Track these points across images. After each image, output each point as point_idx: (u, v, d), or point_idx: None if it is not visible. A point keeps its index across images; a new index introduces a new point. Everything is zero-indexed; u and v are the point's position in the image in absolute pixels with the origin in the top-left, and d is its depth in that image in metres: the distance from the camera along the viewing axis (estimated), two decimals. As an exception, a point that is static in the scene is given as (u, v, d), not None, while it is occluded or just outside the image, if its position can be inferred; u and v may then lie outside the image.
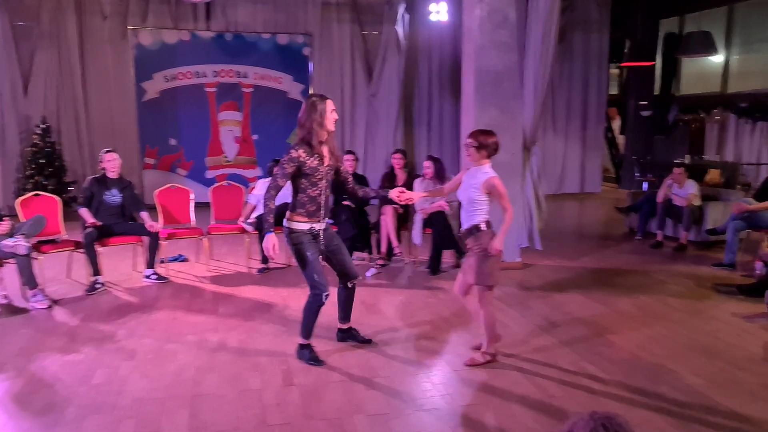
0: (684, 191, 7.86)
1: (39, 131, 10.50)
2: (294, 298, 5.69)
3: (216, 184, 7.70)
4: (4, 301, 5.55)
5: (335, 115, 4.08)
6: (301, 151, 3.98)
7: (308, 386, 3.82)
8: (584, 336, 4.75)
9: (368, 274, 6.54)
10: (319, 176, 4.04)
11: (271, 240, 3.98)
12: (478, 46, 6.48)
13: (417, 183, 6.75)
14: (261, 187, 7.19)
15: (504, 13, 6.50)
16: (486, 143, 4.13)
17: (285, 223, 4.12)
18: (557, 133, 13.44)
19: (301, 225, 4.06)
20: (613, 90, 15.30)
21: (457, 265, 6.89)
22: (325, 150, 4.05)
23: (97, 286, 5.95)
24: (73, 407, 3.53)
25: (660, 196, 8.00)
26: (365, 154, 12.52)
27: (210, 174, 11.59)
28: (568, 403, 3.61)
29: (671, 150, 12.74)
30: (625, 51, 14.04)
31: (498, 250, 4.06)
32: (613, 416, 1.52)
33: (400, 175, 7.10)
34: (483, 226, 4.09)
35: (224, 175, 11.26)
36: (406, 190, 4.41)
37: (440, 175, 6.67)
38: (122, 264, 6.83)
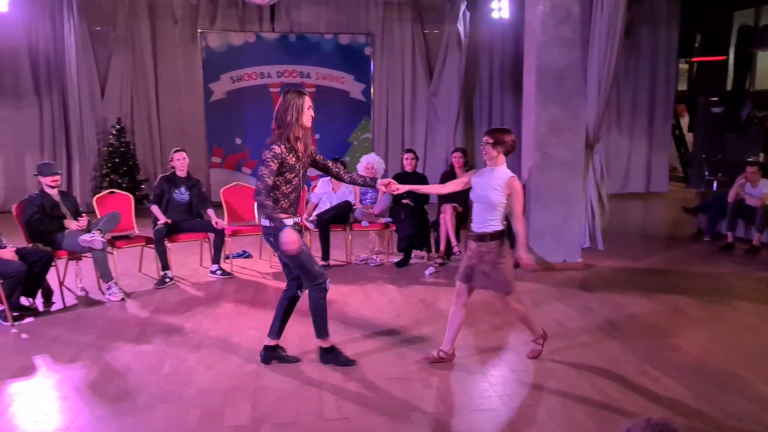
0: (758, 191, 7.54)
1: (114, 132, 11.03)
2: (353, 295, 5.78)
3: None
4: (81, 293, 5.87)
5: (311, 112, 4.02)
6: (283, 148, 3.90)
7: (366, 382, 3.89)
8: (647, 339, 4.63)
9: (426, 272, 6.57)
10: (294, 173, 3.98)
11: (291, 233, 3.81)
12: (540, 42, 6.41)
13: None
14: (322, 185, 7.33)
15: (567, 8, 6.40)
16: (503, 140, 3.99)
17: (263, 221, 4.01)
18: (622, 131, 13.09)
19: (288, 221, 3.89)
20: (682, 86, 14.75)
21: (517, 265, 6.82)
22: (300, 146, 3.97)
23: (166, 280, 6.21)
24: (143, 396, 3.71)
25: (731, 196, 7.70)
26: (425, 153, 12.53)
27: (273, 173, 11.82)
28: (630, 408, 3.54)
29: (744, 148, 12.18)
30: (696, 45, 13.52)
31: (529, 265, 4.03)
32: (669, 422, 1.50)
33: (460, 174, 7.09)
34: (502, 233, 3.99)
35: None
36: (393, 181, 4.26)
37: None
38: (190, 259, 7.10)
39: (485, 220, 4.00)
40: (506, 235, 4.03)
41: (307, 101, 4.03)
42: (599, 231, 7.03)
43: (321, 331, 4.16)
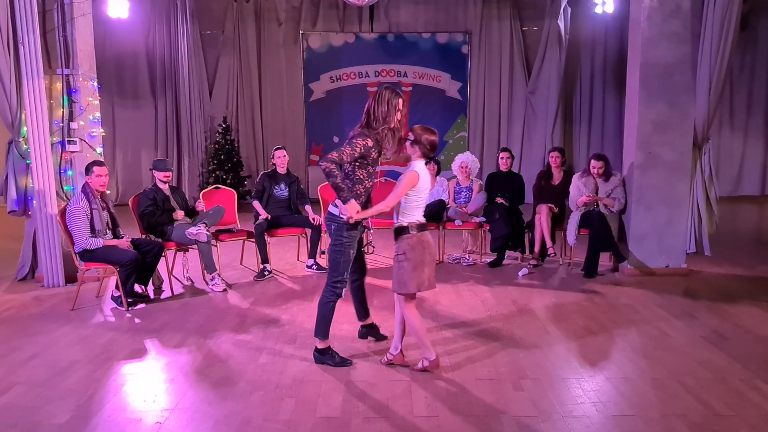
0: None
1: (220, 130, 11.60)
2: (445, 294, 5.79)
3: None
4: (188, 283, 6.22)
5: (399, 116, 4.07)
6: (370, 141, 3.96)
7: (456, 381, 3.88)
8: (759, 352, 4.34)
9: (520, 273, 6.47)
10: (374, 168, 4.11)
11: (354, 206, 3.90)
12: (646, 38, 6.15)
13: (575, 177, 6.57)
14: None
15: (677, 1, 6.10)
16: (420, 140, 3.95)
17: (330, 209, 4.10)
18: (735, 130, 12.31)
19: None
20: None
21: (615, 269, 6.59)
22: (386, 143, 4.05)
23: (266, 273, 6.46)
24: (242, 382, 3.89)
25: None
26: (521, 152, 12.33)
27: (369, 170, 12.03)
28: (737, 424, 3.33)
29: None
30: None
31: (348, 216, 3.87)
32: None
33: (557, 174, 6.94)
34: (409, 228, 3.89)
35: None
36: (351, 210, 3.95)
37: (607, 174, 6.42)
38: (288, 254, 7.35)
39: (396, 216, 3.99)
40: (407, 231, 3.88)
41: (401, 103, 4.09)
42: (706, 235, 6.65)
43: (320, 330, 4.15)
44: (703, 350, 4.39)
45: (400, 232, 3.92)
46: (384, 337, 4.59)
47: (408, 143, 4.02)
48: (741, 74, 12.10)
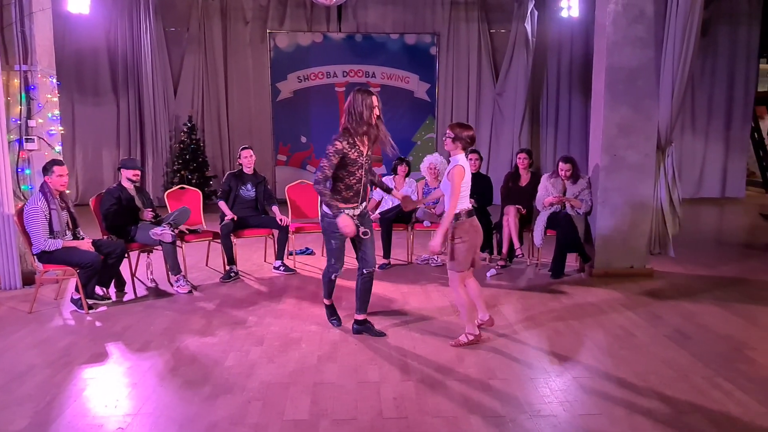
0: None
1: (185, 129, 11.41)
2: (414, 295, 5.78)
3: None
4: (152, 285, 6.10)
5: (377, 111, 4.30)
6: (345, 144, 4.28)
7: (425, 382, 3.88)
8: (720, 351, 4.44)
9: (489, 274, 6.50)
10: (357, 166, 4.35)
11: (344, 219, 4.27)
12: (611, 42, 6.23)
13: (544, 178, 6.63)
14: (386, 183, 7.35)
15: (640, 7, 6.20)
16: (461, 136, 4.35)
17: (323, 208, 4.47)
18: (696, 133, 12.61)
19: (347, 210, 4.38)
20: (763, 87, 14.07)
21: (582, 270, 6.67)
22: (365, 142, 4.36)
23: (232, 274, 6.37)
24: (208, 386, 3.82)
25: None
26: (489, 154, 12.42)
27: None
28: (700, 421, 3.40)
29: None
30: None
31: (436, 252, 4.39)
32: None
33: (524, 175, 6.99)
34: (460, 215, 4.36)
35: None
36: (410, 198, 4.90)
37: (575, 176, 6.50)
38: (255, 255, 7.26)
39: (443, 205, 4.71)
40: (459, 217, 4.36)
41: (375, 101, 4.28)
42: (670, 237, 6.78)
43: (324, 293, 4.88)
44: (667, 349, 4.46)
45: (455, 218, 4.33)
46: (381, 334, 4.69)
47: (449, 140, 4.40)
48: (702, 79, 12.39)
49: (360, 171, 4.39)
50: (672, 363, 4.21)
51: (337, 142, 4.25)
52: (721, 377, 3.96)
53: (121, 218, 5.82)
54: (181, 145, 11.42)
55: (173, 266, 5.86)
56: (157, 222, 5.98)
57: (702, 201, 12.22)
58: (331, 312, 4.96)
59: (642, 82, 6.29)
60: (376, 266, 4.80)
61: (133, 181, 5.97)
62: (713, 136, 12.64)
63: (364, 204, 4.56)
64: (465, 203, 4.37)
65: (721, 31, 12.19)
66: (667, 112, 6.44)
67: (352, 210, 4.43)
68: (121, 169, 6.02)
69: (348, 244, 4.66)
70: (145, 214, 5.99)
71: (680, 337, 4.72)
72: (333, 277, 4.72)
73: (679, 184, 6.85)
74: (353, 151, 4.30)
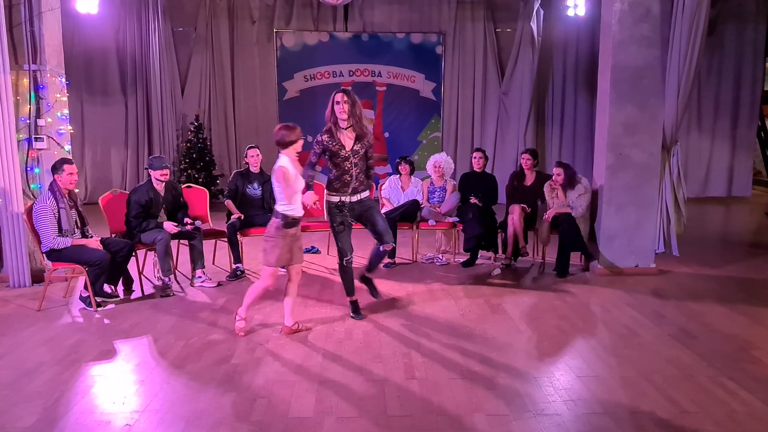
0: None
1: (192, 128, 11.46)
2: (418, 294, 5.81)
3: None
4: (159, 283, 6.13)
5: (340, 108, 4.72)
6: (324, 137, 4.80)
7: (429, 381, 3.90)
8: (724, 350, 4.44)
9: (493, 273, 6.51)
10: (340, 158, 4.77)
11: (311, 196, 4.66)
12: (617, 41, 6.24)
13: (547, 189, 6.62)
14: (391, 183, 7.38)
15: (647, 6, 6.20)
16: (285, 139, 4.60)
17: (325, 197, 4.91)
18: (702, 132, 12.56)
19: (331, 198, 4.88)
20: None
21: (587, 269, 6.68)
22: (343, 136, 4.77)
23: (238, 272, 6.41)
24: (213, 383, 3.85)
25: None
26: (495, 153, 12.42)
27: (343, 170, 12.03)
28: (704, 420, 3.41)
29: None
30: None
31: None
32: None
33: (529, 175, 6.99)
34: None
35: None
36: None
37: (571, 181, 6.48)
38: (260, 254, 7.27)
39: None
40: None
41: (339, 97, 4.76)
42: (675, 236, 6.78)
43: (345, 290, 5.13)
44: (671, 348, 4.47)
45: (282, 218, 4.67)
46: (376, 296, 5.30)
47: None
48: (708, 78, 12.35)
49: (346, 163, 4.79)
50: (676, 362, 4.22)
51: (318, 135, 4.82)
52: (726, 377, 3.97)
53: (143, 228, 5.83)
54: (188, 144, 11.48)
55: (163, 268, 5.82)
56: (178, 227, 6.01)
57: (708, 200, 12.19)
58: (355, 308, 5.16)
59: (648, 81, 6.29)
60: (393, 242, 5.07)
61: (161, 181, 5.97)
62: (719, 135, 12.59)
63: (359, 195, 4.90)
64: (297, 210, 4.62)
65: (728, 30, 12.14)
66: (673, 111, 6.44)
67: (339, 197, 4.84)
68: (149, 170, 6.00)
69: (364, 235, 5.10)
70: (169, 224, 5.90)
71: (685, 336, 4.73)
72: (344, 262, 4.92)
73: (684, 183, 6.85)
74: (333, 143, 4.76)
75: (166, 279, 5.86)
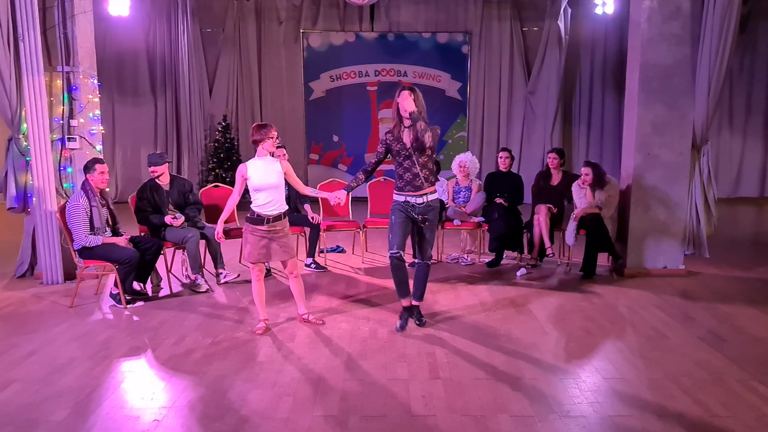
0: None
1: (220, 128, 11.60)
2: (443, 293, 5.80)
3: (373, 180, 7.98)
4: (186, 281, 6.22)
5: (402, 105, 4.53)
6: (388, 135, 4.70)
7: (453, 381, 3.90)
8: (756, 353, 4.36)
9: (518, 273, 6.48)
10: (401, 157, 4.62)
11: (342, 194, 4.81)
12: (645, 39, 6.16)
13: (575, 189, 6.56)
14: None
15: (677, 3, 6.12)
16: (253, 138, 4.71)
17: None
18: (734, 131, 12.33)
19: (397, 197, 4.71)
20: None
21: (614, 270, 6.61)
22: (405, 134, 4.60)
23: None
24: (240, 380, 3.90)
25: None
26: (521, 152, 12.34)
27: (369, 170, 12.08)
28: (734, 425, 3.35)
29: None
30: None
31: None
32: None
33: (556, 175, 6.94)
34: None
35: (381, 171, 11.65)
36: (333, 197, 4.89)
37: (600, 181, 6.41)
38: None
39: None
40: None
41: (399, 95, 4.60)
42: (704, 237, 6.67)
43: (397, 291, 4.82)
44: (701, 351, 4.40)
45: (286, 215, 4.82)
46: (422, 323, 4.89)
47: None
48: (740, 76, 12.12)
49: (407, 162, 4.61)
50: (706, 365, 4.15)
51: (385, 134, 4.74)
52: (757, 381, 3.89)
53: (148, 220, 5.95)
54: (216, 144, 11.62)
55: (193, 265, 5.93)
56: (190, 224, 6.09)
57: (739, 201, 11.96)
58: (403, 314, 4.87)
59: (677, 80, 6.20)
60: (431, 260, 4.85)
61: (153, 178, 6.05)
62: (751, 134, 12.35)
63: (424, 197, 4.64)
64: (265, 207, 4.65)
65: (760, 27, 11.90)
66: (703, 110, 6.34)
67: (405, 196, 4.64)
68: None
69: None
70: (169, 218, 5.96)
71: (714, 339, 4.65)
72: (390, 255, 4.66)
73: (714, 183, 6.74)
74: (395, 143, 4.65)
75: (197, 276, 5.94)
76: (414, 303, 4.88)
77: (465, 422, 3.38)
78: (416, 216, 4.66)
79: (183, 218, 6.03)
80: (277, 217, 4.69)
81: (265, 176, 4.65)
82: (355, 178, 4.81)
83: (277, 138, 4.78)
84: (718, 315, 5.21)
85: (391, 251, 4.66)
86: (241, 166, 4.70)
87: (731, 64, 6.48)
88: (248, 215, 4.70)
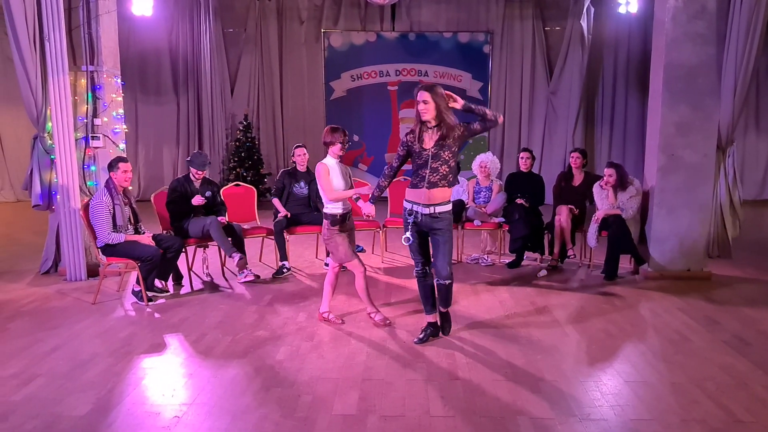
0: None
1: (241, 128, 11.68)
2: (463, 294, 5.78)
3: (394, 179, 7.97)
4: (207, 279, 6.28)
5: (421, 106, 4.22)
6: (409, 137, 4.40)
7: (473, 381, 3.88)
8: (781, 359, 4.28)
9: (539, 274, 6.43)
10: (422, 159, 4.30)
11: (370, 208, 4.69)
12: (670, 39, 6.07)
13: (596, 190, 6.49)
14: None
15: (702, 2, 6.02)
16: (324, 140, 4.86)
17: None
18: (760, 133, 12.13)
19: (406, 203, 4.47)
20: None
21: (636, 272, 6.53)
22: (425, 137, 4.30)
23: (284, 270, 6.49)
24: (259, 378, 3.92)
25: None
26: (542, 153, 12.26)
27: (388, 169, 12.08)
28: (759, 430, 3.29)
29: None
30: None
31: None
32: None
33: (578, 175, 6.88)
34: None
35: (402, 171, 11.63)
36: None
37: (623, 182, 6.33)
38: (306, 251, 7.38)
39: None
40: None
41: (418, 95, 4.27)
42: (730, 240, 6.56)
43: (423, 305, 4.67)
44: (725, 355, 4.33)
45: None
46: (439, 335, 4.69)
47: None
48: (767, 76, 11.91)
49: (425, 169, 4.27)
50: (730, 369, 4.08)
51: (405, 135, 4.44)
52: (782, 386, 3.83)
53: (177, 207, 6.03)
54: (237, 143, 11.70)
55: (226, 248, 5.96)
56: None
57: (766, 203, 11.75)
58: (426, 327, 4.59)
59: (702, 80, 6.11)
60: (448, 279, 4.44)
61: (197, 179, 6.15)
62: (779, 135, 12.14)
63: (430, 207, 4.31)
64: (342, 207, 4.80)
65: (790, 26, 11.69)
66: (729, 111, 6.25)
67: (411, 205, 4.38)
68: (189, 164, 6.22)
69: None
70: (196, 198, 6.03)
71: (739, 343, 4.57)
72: (415, 273, 4.55)
73: (740, 185, 6.64)
74: (416, 144, 4.32)
75: (235, 256, 5.92)
76: (441, 310, 4.63)
77: (484, 424, 3.36)
78: (423, 228, 4.39)
79: (210, 194, 6.18)
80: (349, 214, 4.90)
81: (343, 179, 4.88)
82: (378, 186, 4.62)
83: (346, 143, 4.94)
84: (743, 319, 5.12)
85: (415, 270, 4.57)
86: (322, 166, 4.85)
87: (758, 64, 6.37)
88: (329, 220, 4.81)
